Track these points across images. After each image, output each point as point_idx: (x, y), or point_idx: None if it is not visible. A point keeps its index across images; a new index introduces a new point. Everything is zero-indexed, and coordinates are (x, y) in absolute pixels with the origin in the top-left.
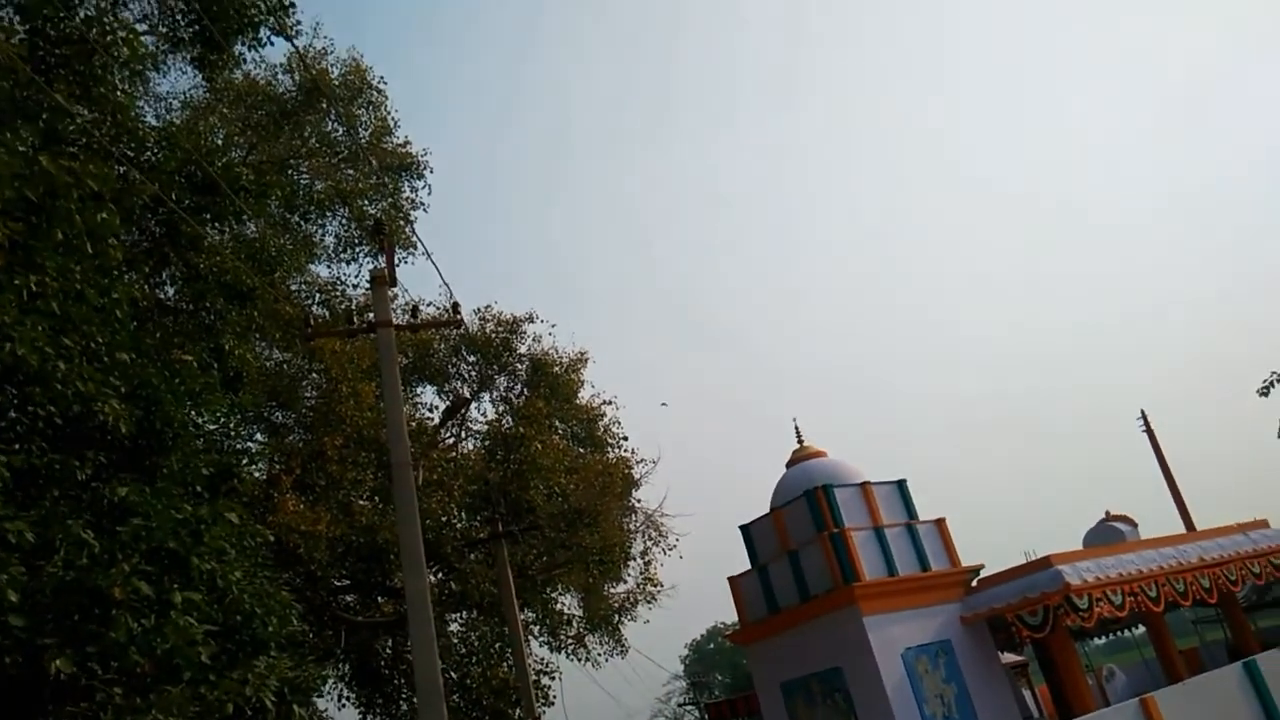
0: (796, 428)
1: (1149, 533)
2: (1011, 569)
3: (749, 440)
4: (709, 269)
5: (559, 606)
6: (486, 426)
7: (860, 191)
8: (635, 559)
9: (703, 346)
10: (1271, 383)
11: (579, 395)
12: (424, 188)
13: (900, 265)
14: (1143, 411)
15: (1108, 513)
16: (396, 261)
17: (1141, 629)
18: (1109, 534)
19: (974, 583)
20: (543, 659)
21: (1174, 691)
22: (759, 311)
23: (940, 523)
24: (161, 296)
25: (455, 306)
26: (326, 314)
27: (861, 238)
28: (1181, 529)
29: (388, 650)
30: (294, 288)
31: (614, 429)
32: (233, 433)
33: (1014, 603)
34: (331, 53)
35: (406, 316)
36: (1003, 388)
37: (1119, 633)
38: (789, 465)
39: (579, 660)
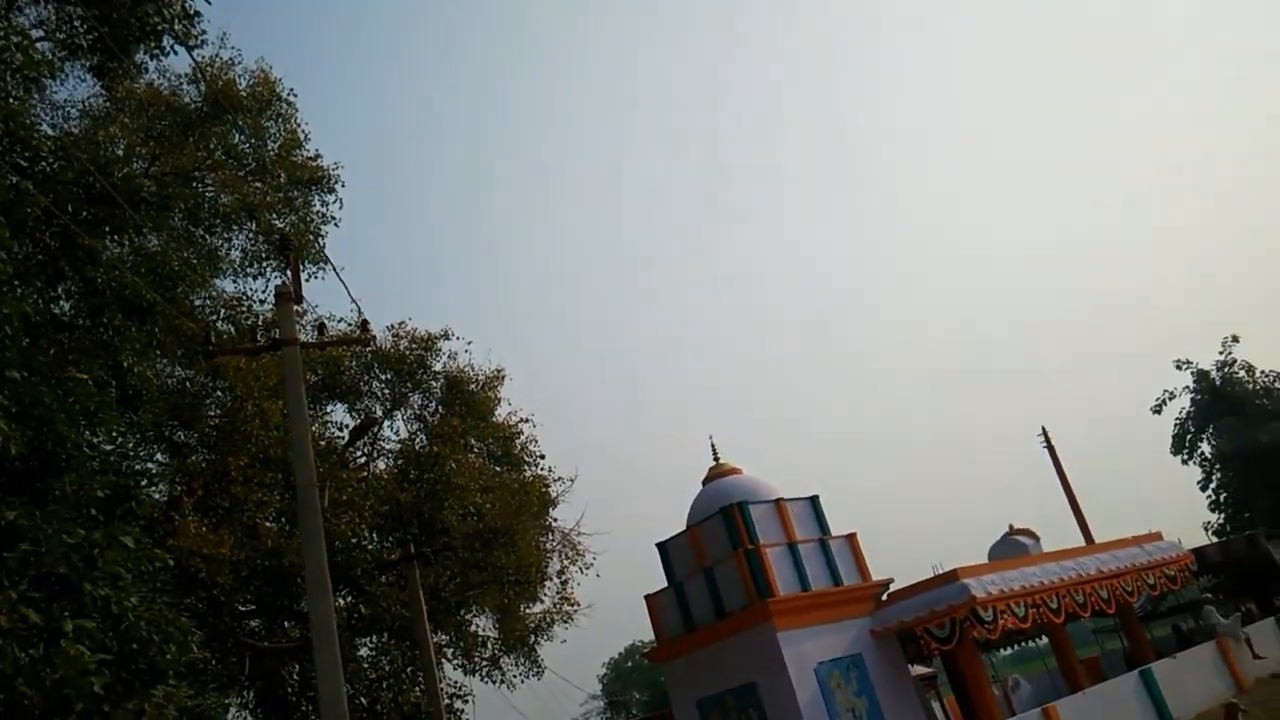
0: (713, 445)
1: (1050, 546)
2: (919, 583)
3: (669, 457)
4: (629, 283)
5: (473, 628)
6: (399, 445)
7: (785, 213)
8: (552, 578)
9: (622, 363)
10: (1164, 400)
11: (495, 413)
12: (335, 202)
13: (816, 287)
14: (1044, 428)
15: (1011, 527)
16: (306, 277)
17: (1045, 639)
18: (1012, 547)
19: (884, 597)
20: (456, 682)
21: (1075, 700)
22: (678, 327)
23: (852, 538)
24: (56, 312)
25: (364, 324)
26: (232, 330)
27: (783, 256)
28: (1081, 542)
29: (295, 677)
30: (197, 303)
31: (531, 447)
32: (131, 453)
33: (922, 616)
34: (239, 63)
35: (314, 333)
36: (911, 402)
37: (1024, 643)
38: (705, 482)
39: (493, 682)
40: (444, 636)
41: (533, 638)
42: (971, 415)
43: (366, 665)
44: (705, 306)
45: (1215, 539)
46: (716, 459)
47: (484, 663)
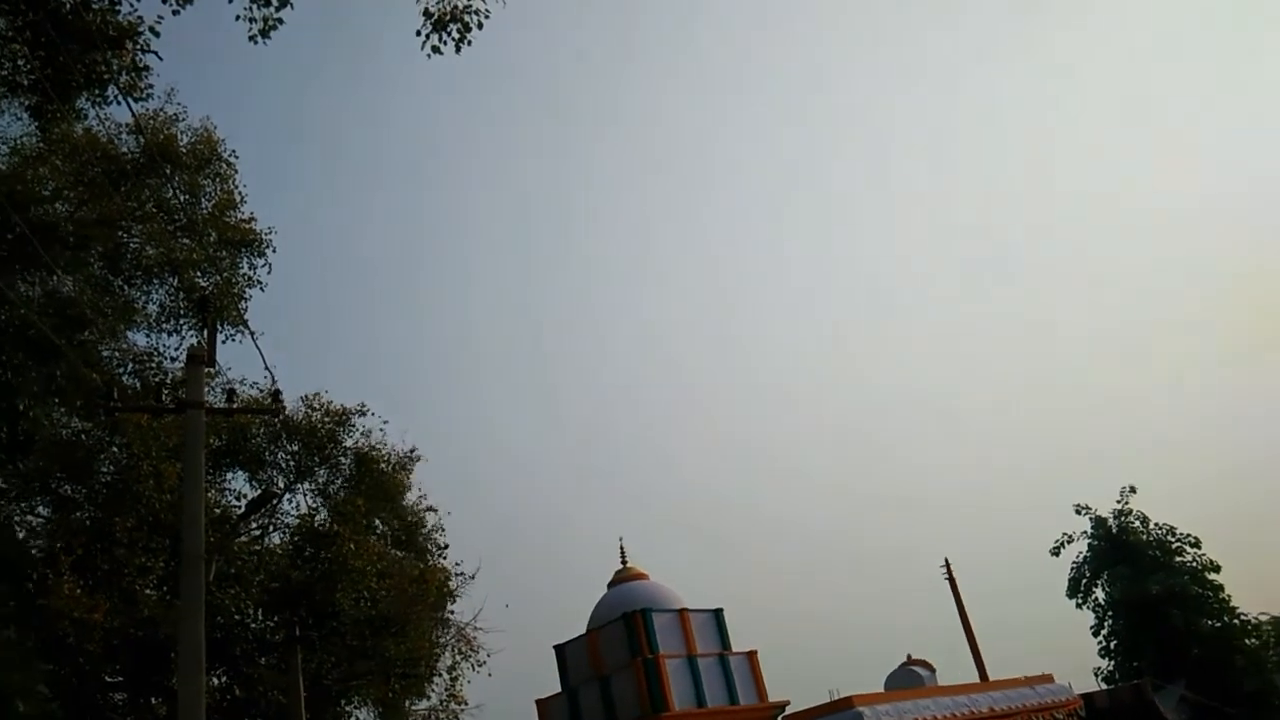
0: (621, 548)
1: (946, 678)
2: (815, 708)
3: (575, 557)
4: (561, 370)
5: None
6: (298, 520)
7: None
8: (441, 674)
9: (537, 457)
10: (1063, 543)
11: (404, 497)
12: (264, 266)
13: (732, 393)
14: (947, 560)
15: (909, 656)
16: (222, 339)
17: None
18: (909, 678)
19: (779, 719)
20: None
21: None
22: (592, 428)
23: (752, 655)
24: None
25: (276, 394)
26: (137, 385)
27: (704, 350)
28: (976, 677)
29: None
30: (105, 353)
31: (436, 536)
32: (10, 503)
33: None
34: (183, 119)
35: (224, 398)
36: (823, 519)
37: None
38: (610, 585)
39: None
40: None
41: None
42: (886, 540)
43: None
44: (632, 398)
45: (1105, 685)
46: (624, 562)
47: None
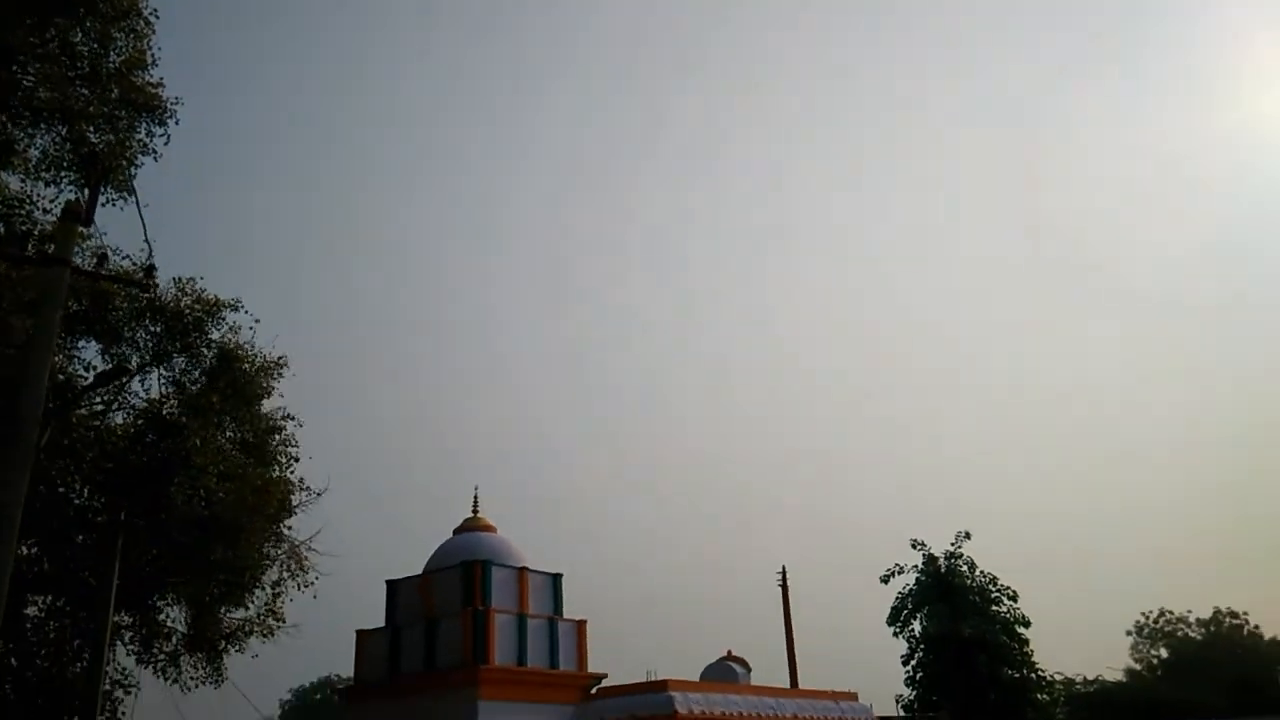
0: (475, 497)
1: (759, 679)
2: (629, 685)
3: (431, 495)
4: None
5: (162, 617)
6: (146, 405)
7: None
8: (265, 588)
9: (407, 394)
10: (893, 572)
11: (262, 402)
12: (163, 135)
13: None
14: (784, 568)
15: (729, 652)
16: (103, 202)
17: None
18: (724, 672)
19: (594, 690)
20: (124, 669)
21: None
22: (468, 378)
23: (581, 624)
24: None
25: (150, 269)
26: (2, 229)
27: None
28: (788, 683)
29: None
30: None
31: (289, 448)
32: None
33: (621, 718)
34: None
35: (92, 262)
36: (680, 508)
37: None
38: (456, 532)
39: (166, 679)
40: (127, 618)
41: (224, 643)
42: (737, 540)
43: (29, 626)
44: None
45: (903, 713)
46: (475, 511)
47: (162, 656)
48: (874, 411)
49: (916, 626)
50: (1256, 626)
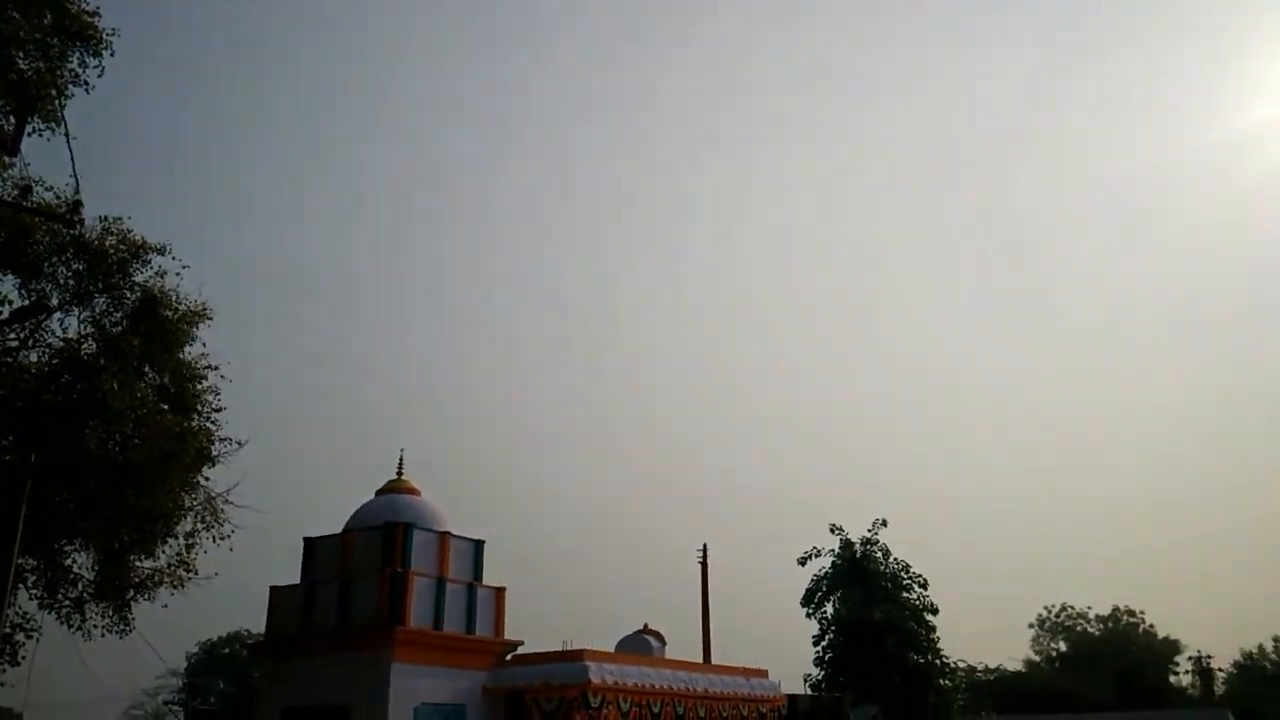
0: (401, 458)
1: (674, 653)
2: (545, 653)
3: (357, 457)
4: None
5: (69, 562)
6: (62, 344)
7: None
8: (178, 538)
9: (344, 346)
10: (810, 555)
11: (185, 349)
12: (97, 68)
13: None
14: (705, 545)
15: (645, 625)
16: (31, 132)
17: None
18: (639, 644)
19: (508, 657)
20: (26, 613)
21: None
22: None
23: (500, 591)
24: None
25: (77, 204)
26: None
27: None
28: (701, 657)
29: None
30: None
31: (209, 397)
32: None
33: (535, 686)
34: None
35: (14, 193)
36: (602, 482)
37: None
38: (379, 493)
39: (70, 626)
40: (31, 561)
41: (132, 592)
42: (659, 515)
43: None
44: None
45: (811, 691)
46: (400, 473)
47: (67, 602)
48: (810, 395)
49: (829, 609)
50: (1152, 625)
